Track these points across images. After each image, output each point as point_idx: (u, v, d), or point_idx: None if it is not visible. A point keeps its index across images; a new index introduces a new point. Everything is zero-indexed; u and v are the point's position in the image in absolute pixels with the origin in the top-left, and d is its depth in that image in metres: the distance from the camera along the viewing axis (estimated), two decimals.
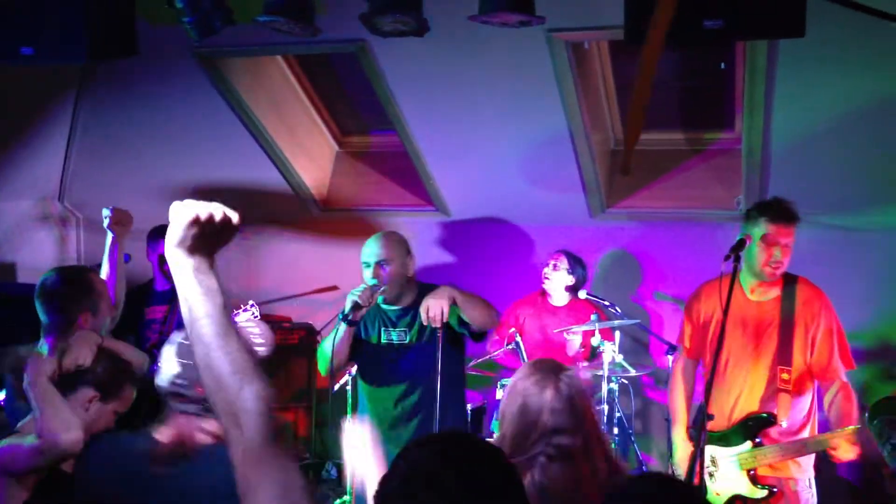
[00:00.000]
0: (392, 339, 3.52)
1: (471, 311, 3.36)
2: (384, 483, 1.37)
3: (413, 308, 3.48)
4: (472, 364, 4.97)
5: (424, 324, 3.33)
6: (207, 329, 1.40)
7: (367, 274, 3.45)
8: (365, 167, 5.61)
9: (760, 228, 3.33)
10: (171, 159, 5.39)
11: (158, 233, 4.44)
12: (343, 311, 3.32)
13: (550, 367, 2.31)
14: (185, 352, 2.05)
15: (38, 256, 5.77)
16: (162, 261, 4.43)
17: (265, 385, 1.40)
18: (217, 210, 1.45)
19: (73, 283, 3.01)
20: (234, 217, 1.48)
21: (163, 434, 2.09)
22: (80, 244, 6.10)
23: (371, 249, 3.47)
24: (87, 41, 3.21)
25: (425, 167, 5.01)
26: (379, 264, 3.43)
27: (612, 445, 4.52)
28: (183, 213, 1.43)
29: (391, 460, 1.41)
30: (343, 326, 3.33)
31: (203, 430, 2.07)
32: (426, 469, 1.34)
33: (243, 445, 1.37)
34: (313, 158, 5.52)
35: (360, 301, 3.30)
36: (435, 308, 3.26)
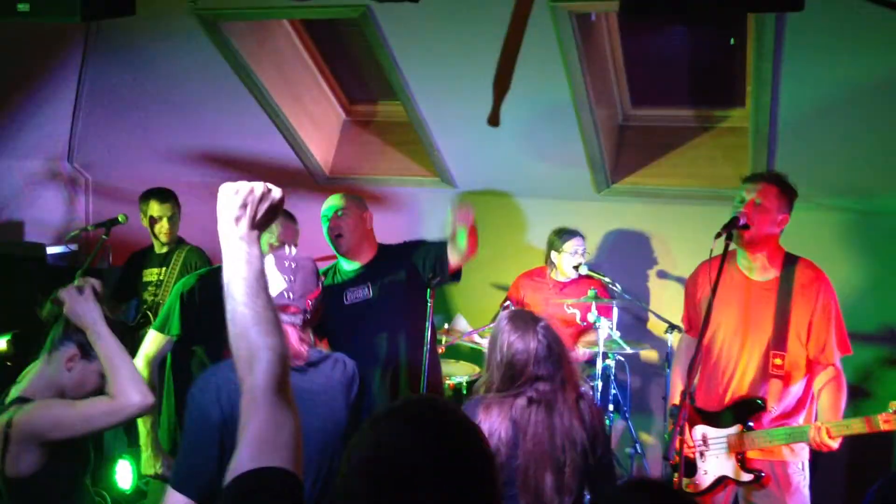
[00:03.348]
0: (357, 298, 3.58)
1: (472, 241, 3.52)
2: (350, 455, 1.37)
3: (372, 265, 3.65)
4: (466, 336, 4.98)
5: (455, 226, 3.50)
6: (240, 289, 1.55)
7: (326, 228, 3.69)
8: (371, 136, 5.58)
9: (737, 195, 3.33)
10: (177, 123, 5.39)
11: (150, 195, 4.46)
12: None
13: (527, 319, 2.61)
14: (287, 269, 2.35)
15: (46, 216, 5.83)
16: (152, 222, 4.45)
17: (282, 341, 1.55)
18: (262, 188, 1.65)
19: None
20: (278, 193, 1.67)
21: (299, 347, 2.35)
22: (89, 205, 6.14)
23: (328, 204, 3.72)
24: None
25: (430, 137, 4.97)
26: (336, 214, 3.65)
27: (608, 423, 4.52)
28: (233, 193, 1.63)
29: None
30: None
31: (304, 339, 2.38)
32: (395, 445, 1.34)
33: (250, 388, 1.49)
34: (320, 126, 5.49)
35: None
36: (465, 207, 3.50)
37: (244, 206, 1.62)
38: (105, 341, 2.52)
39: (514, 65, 1.97)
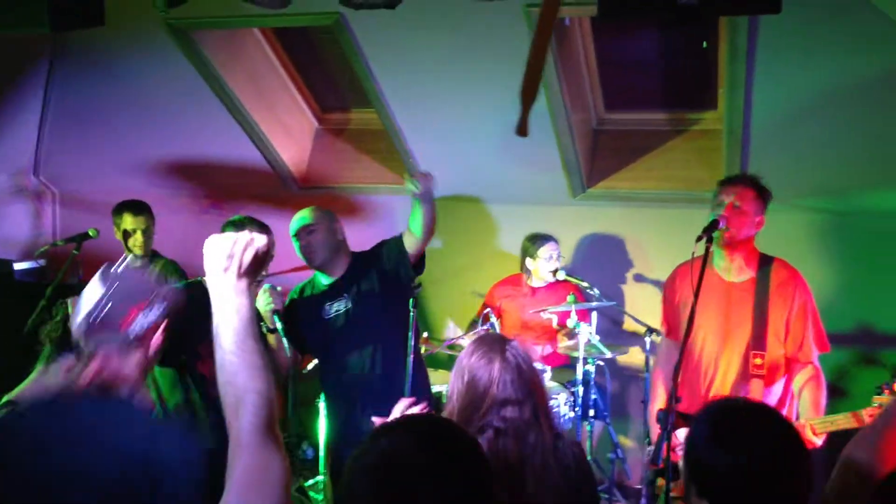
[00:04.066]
0: (336, 311, 3.54)
1: (430, 212, 3.53)
2: (353, 466, 1.43)
3: (347, 276, 3.61)
4: (446, 344, 4.96)
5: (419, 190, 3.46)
6: (229, 338, 1.57)
7: (297, 245, 3.62)
8: (345, 144, 5.54)
9: (715, 198, 3.32)
10: (147, 135, 5.31)
11: (123, 208, 4.38)
12: (266, 327, 3.39)
13: (495, 340, 2.36)
14: (109, 282, 2.02)
15: (11, 231, 5.71)
16: (126, 236, 4.37)
17: (269, 385, 1.56)
18: (246, 238, 1.66)
19: None
20: (262, 241, 1.67)
21: (84, 373, 2.02)
22: (56, 219, 6.03)
23: (295, 220, 3.64)
24: (51, 9, 3.12)
25: (403, 144, 4.94)
26: (305, 231, 3.58)
27: (588, 428, 4.51)
28: (220, 245, 1.64)
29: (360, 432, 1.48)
30: (272, 337, 3.40)
31: (129, 367, 2.03)
32: (399, 457, 1.41)
33: (236, 432, 1.52)
34: (292, 135, 5.44)
35: (277, 307, 3.39)
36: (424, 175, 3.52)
37: (230, 256, 1.63)
38: None
39: (541, 74, 1.98)
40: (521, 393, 2.24)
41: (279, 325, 3.36)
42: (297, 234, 3.60)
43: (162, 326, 2.09)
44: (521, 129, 1.92)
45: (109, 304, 2.01)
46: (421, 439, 1.44)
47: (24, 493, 1.45)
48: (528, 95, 1.94)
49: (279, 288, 3.58)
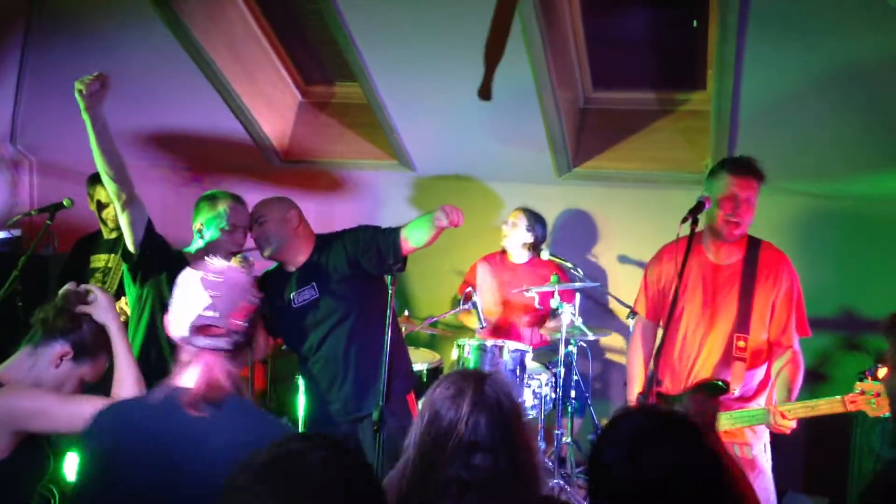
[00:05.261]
0: (305, 299, 3.44)
1: (436, 236, 3.33)
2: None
3: (310, 263, 3.47)
4: (428, 323, 4.91)
5: (446, 224, 3.25)
6: None
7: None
8: (328, 118, 5.45)
9: (721, 183, 3.24)
10: (126, 104, 5.14)
11: (97, 178, 4.27)
12: None
13: (471, 374, 1.91)
14: (211, 284, 1.98)
15: None
16: (100, 207, 4.27)
17: None
18: None
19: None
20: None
21: (190, 378, 1.94)
22: (34, 188, 5.92)
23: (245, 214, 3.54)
24: None
25: (388, 120, 4.86)
26: (255, 224, 3.49)
27: (570, 410, 4.48)
28: None
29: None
30: None
31: (230, 373, 1.95)
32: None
33: None
34: (275, 108, 5.35)
35: None
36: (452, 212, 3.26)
37: None
38: (121, 343, 2.54)
39: (507, 35, 1.89)
40: (496, 437, 1.77)
41: None
42: (248, 228, 3.51)
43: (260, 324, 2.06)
44: (483, 92, 1.83)
45: (217, 307, 1.96)
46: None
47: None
48: (492, 57, 1.85)
49: (251, 258, 3.50)
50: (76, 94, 3.00)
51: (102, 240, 4.32)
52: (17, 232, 5.28)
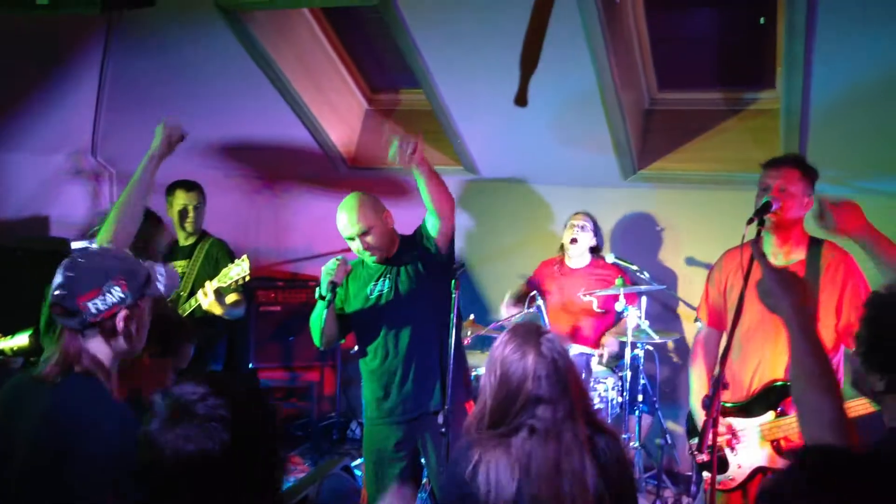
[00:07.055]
0: (381, 290, 3.52)
1: (433, 185, 3.31)
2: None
3: (394, 258, 3.53)
4: (494, 327, 4.93)
5: (396, 158, 3.21)
6: None
7: (354, 246, 3.48)
8: (394, 125, 5.52)
9: (760, 179, 3.21)
10: (199, 115, 5.35)
11: (176, 186, 4.45)
12: (319, 292, 3.36)
13: (530, 331, 2.19)
14: (68, 265, 2.03)
15: (71, 210, 5.84)
16: (180, 216, 4.44)
17: None
18: None
19: None
20: None
21: (53, 356, 2.03)
22: (114, 198, 6.14)
23: (347, 227, 3.44)
24: None
25: (452, 125, 4.91)
26: (362, 236, 3.43)
27: (637, 414, 4.45)
28: None
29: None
30: (322, 305, 3.36)
31: (86, 352, 2.01)
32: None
33: None
34: (341, 116, 5.45)
35: (336, 280, 3.35)
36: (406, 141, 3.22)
37: None
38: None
39: (542, 42, 1.90)
40: (556, 391, 2.11)
41: (328, 297, 3.34)
42: (353, 239, 3.47)
43: (125, 315, 2.03)
44: (520, 99, 1.84)
45: (66, 286, 2.00)
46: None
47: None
48: (527, 63, 1.85)
49: (349, 265, 3.48)
50: (159, 130, 3.03)
51: (178, 246, 4.50)
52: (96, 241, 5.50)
